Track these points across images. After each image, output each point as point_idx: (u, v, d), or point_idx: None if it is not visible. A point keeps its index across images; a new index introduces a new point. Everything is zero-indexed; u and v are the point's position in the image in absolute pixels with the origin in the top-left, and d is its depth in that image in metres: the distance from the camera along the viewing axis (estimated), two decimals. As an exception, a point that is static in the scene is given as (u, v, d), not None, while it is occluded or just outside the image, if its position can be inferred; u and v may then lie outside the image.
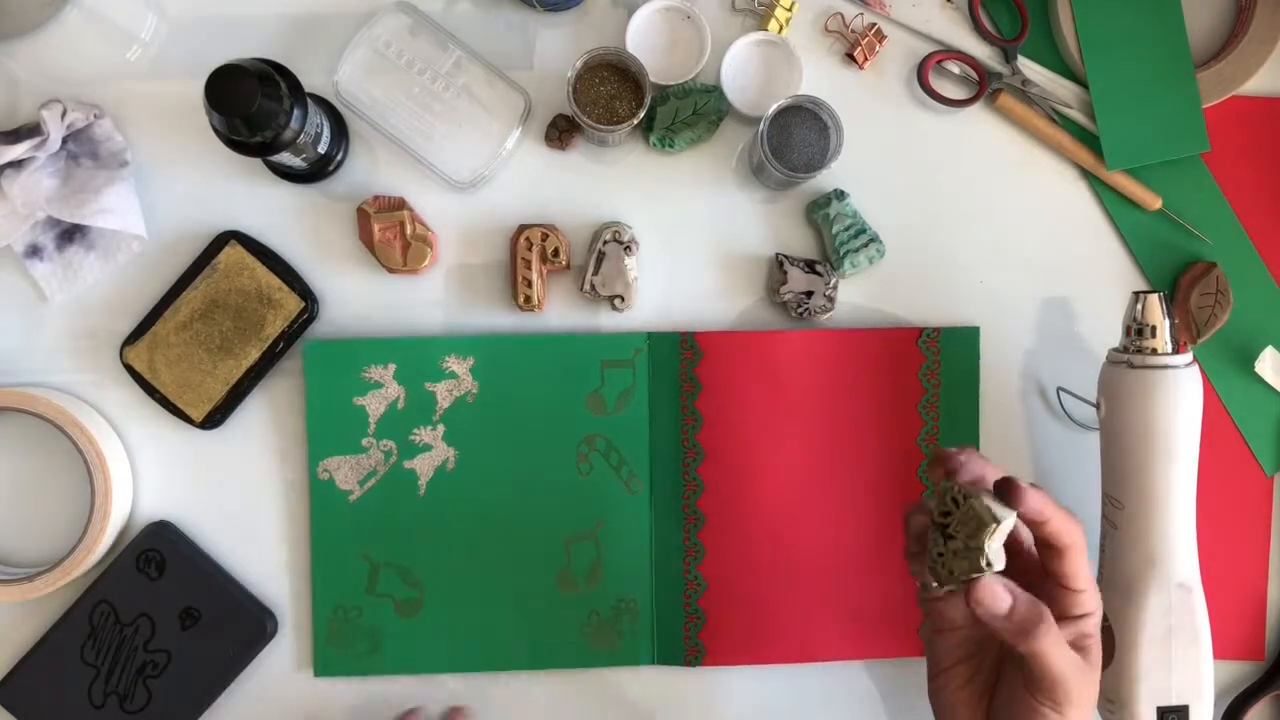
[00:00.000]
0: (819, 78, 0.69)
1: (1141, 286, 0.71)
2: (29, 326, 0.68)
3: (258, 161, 0.68)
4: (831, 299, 0.68)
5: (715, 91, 0.68)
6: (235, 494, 0.69)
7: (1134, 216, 0.70)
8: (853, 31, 0.69)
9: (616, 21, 0.69)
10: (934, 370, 0.68)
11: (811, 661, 0.69)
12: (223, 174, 0.68)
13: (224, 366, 0.67)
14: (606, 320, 0.69)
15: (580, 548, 0.68)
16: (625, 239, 0.67)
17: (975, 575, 0.49)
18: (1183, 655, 0.61)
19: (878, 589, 0.68)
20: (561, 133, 0.68)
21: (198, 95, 0.56)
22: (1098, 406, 0.64)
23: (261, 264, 0.67)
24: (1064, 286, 0.70)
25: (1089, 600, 0.52)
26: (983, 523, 0.48)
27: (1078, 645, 0.52)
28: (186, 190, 0.68)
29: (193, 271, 0.67)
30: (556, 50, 0.69)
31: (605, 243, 0.67)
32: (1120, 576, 0.62)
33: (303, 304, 0.67)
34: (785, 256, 0.68)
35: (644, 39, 0.68)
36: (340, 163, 0.68)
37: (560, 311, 0.69)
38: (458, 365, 0.68)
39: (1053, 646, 0.50)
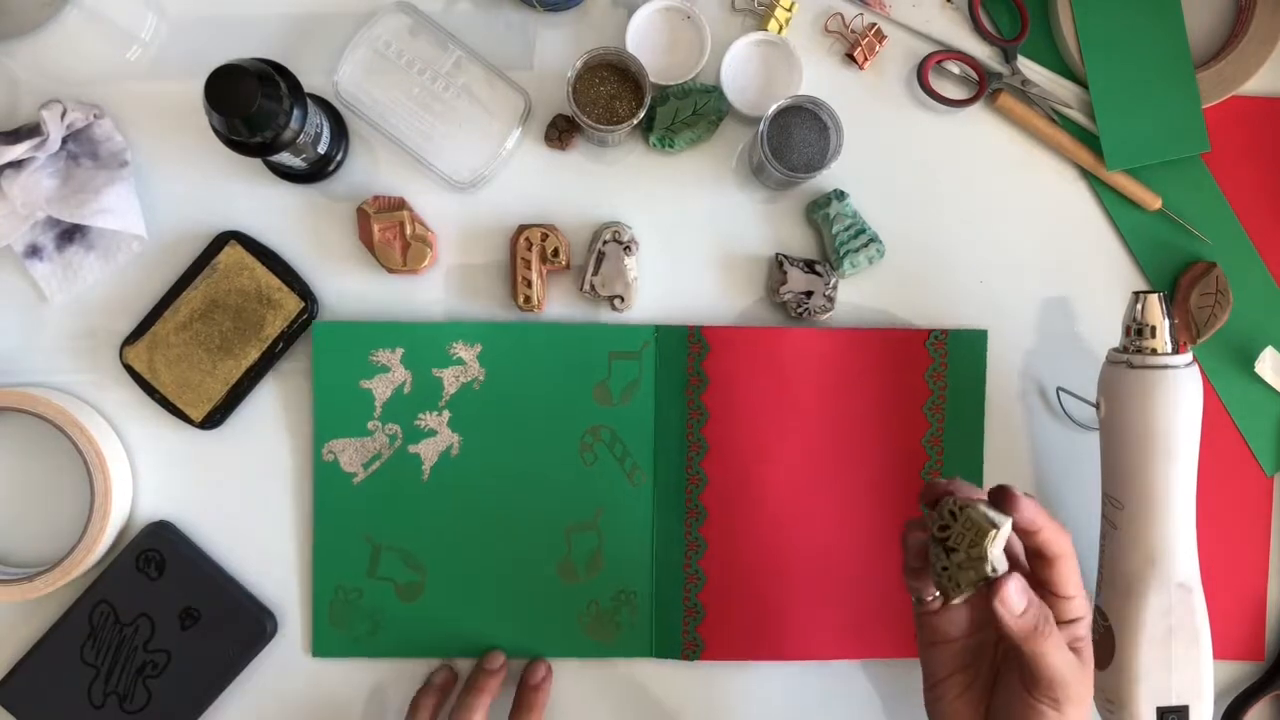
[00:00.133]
0: (819, 78, 0.69)
1: (1141, 286, 0.71)
2: (29, 326, 0.68)
3: (258, 161, 0.68)
4: (831, 299, 0.68)
5: (715, 91, 0.68)
6: (235, 494, 0.69)
7: (1134, 216, 0.70)
8: (853, 32, 0.69)
9: (616, 21, 0.69)
10: (940, 372, 0.68)
11: (810, 660, 0.69)
12: (223, 174, 0.68)
13: (224, 366, 0.67)
14: (606, 320, 0.69)
15: (581, 537, 0.68)
16: (625, 239, 0.67)
17: (981, 583, 0.50)
18: (1183, 655, 0.61)
19: (878, 589, 0.68)
20: (561, 133, 0.68)
21: (198, 95, 0.56)
22: (1098, 406, 0.64)
23: (261, 264, 0.67)
24: (1064, 286, 0.70)
25: (1079, 606, 0.54)
26: (983, 530, 0.49)
27: (1071, 648, 0.53)
28: (186, 190, 0.68)
29: (192, 271, 0.67)
30: (556, 50, 0.69)
31: (605, 243, 0.67)
32: (1120, 576, 0.62)
33: (302, 304, 0.67)
34: (785, 256, 0.68)
35: (644, 39, 0.68)
36: (340, 163, 0.68)
37: (560, 312, 0.69)
38: (465, 352, 0.68)
39: (1055, 647, 0.51)
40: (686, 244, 0.69)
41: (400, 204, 0.67)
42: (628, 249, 0.67)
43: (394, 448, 0.68)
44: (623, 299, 0.68)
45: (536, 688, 0.66)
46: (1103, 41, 0.68)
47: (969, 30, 0.70)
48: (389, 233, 0.67)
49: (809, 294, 0.67)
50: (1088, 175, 0.70)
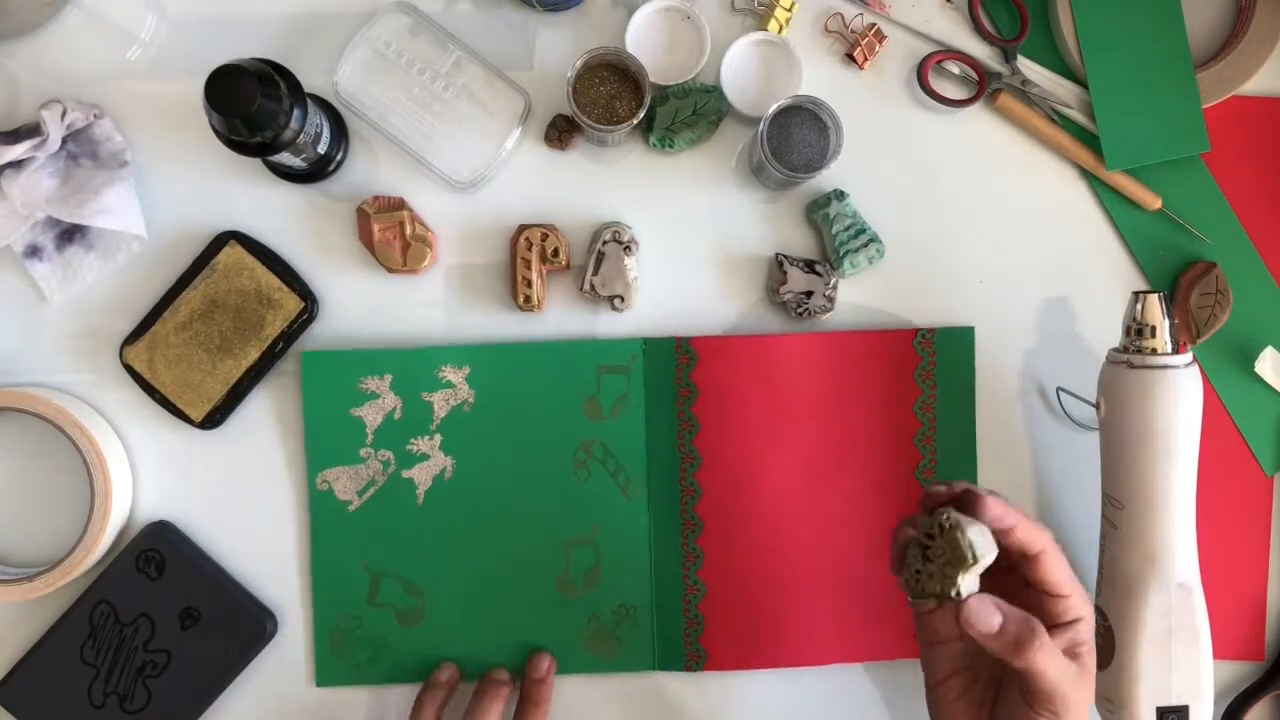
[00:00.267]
0: (819, 78, 0.69)
1: (1141, 286, 0.71)
2: (29, 326, 0.68)
3: (258, 161, 0.68)
4: (831, 299, 0.68)
5: (715, 91, 0.68)
6: (235, 494, 0.69)
7: (1134, 216, 0.70)
8: (853, 32, 0.69)
9: (616, 21, 0.69)
10: (929, 371, 0.68)
11: (812, 665, 0.69)
12: (223, 174, 0.68)
13: (224, 366, 0.67)
14: (606, 320, 0.69)
15: (579, 553, 0.68)
16: (625, 239, 0.67)
17: (945, 599, 0.49)
18: (1183, 655, 0.61)
19: (877, 591, 0.68)
20: (561, 133, 0.68)
21: (198, 95, 0.56)
22: (1097, 406, 0.64)
23: (261, 264, 0.67)
24: (1064, 286, 0.70)
25: (1077, 605, 0.52)
26: (961, 558, 0.49)
27: (1071, 652, 0.52)
28: (186, 190, 0.68)
29: (192, 271, 0.67)
30: (556, 50, 0.69)
31: (605, 243, 0.67)
32: (1120, 576, 0.62)
33: (302, 304, 0.67)
34: (785, 256, 0.68)
35: (644, 39, 0.68)
36: (340, 163, 0.68)
37: (560, 311, 0.69)
38: (454, 375, 0.68)
39: (1046, 660, 0.50)
40: (686, 244, 0.69)
41: (400, 204, 0.67)
42: (628, 249, 0.67)
43: (387, 474, 0.68)
44: (623, 299, 0.68)
45: (541, 681, 0.67)
46: (1103, 41, 0.68)
47: (969, 30, 0.70)
48: (389, 233, 0.67)
49: (809, 294, 0.67)
50: (1088, 175, 0.70)
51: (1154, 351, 0.61)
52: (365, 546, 0.68)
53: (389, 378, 0.68)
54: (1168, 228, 0.70)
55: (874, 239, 0.68)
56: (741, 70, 0.68)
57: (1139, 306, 0.62)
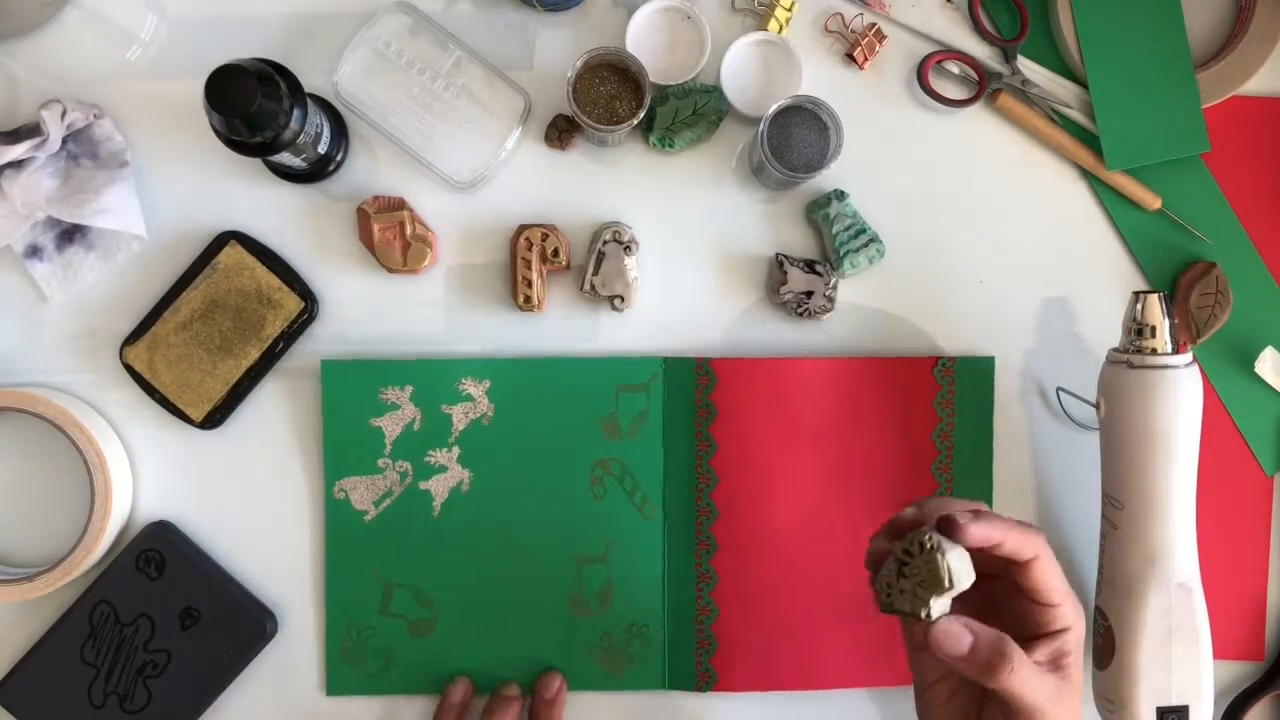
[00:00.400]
0: (819, 78, 0.69)
1: (1141, 286, 0.71)
2: (29, 326, 0.68)
3: (258, 161, 0.68)
4: (831, 299, 0.68)
5: (715, 91, 0.68)
6: (235, 494, 0.69)
7: (1134, 216, 0.70)
8: (853, 31, 0.69)
9: (616, 21, 0.69)
10: (949, 399, 0.68)
11: (823, 689, 0.68)
12: (223, 174, 0.68)
13: (224, 366, 0.67)
14: (607, 320, 0.69)
15: (592, 570, 0.68)
16: (625, 239, 0.67)
17: (912, 618, 0.49)
18: (1183, 655, 0.61)
19: (889, 617, 0.68)
20: (561, 133, 0.68)
21: (198, 95, 0.56)
22: (1098, 406, 0.64)
23: (261, 264, 0.67)
24: (1064, 286, 0.70)
25: (1067, 614, 0.51)
26: (937, 581, 0.48)
27: (1056, 664, 0.51)
28: (186, 190, 0.68)
29: (193, 271, 0.67)
30: (556, 50, 0.69)
31: (605, 243, 0.67)
32: (1120, 576, 0.62)
33: (302, 304, 0.67)
34: (785, 256, 0.68)
35: (644, 39, 0.68)
36: (340, 163, 0.68)
37: (560, 311, 0.69)
38: (474, 388, 0.68)
39: (1020, 681, 0.48)
40: (687, 244, 0.69)
41: (400, 204, 0.67)
42: (628, 249, 0.67)
43: (405, 485, 0.68)
44: (623, 299, 0.68)
45: (551, 701, 0.66)
46: (1103, 41, 0.68)
47: (969, 30, 0.70)
48: (389, 233, 0.67)
49: (809, 294, 0.67)
50: (1088, 175, 0.70)
51: (1154, 351, 0.61)
52: (379, 556, 0.68)
53: (409, 389, 0.68)
54: (1168, 228, 0.70)
55: (874, 239, 0.68)
56: (741, 70, 0.68)
57: (1139, 306, 0.62)
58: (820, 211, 0.68)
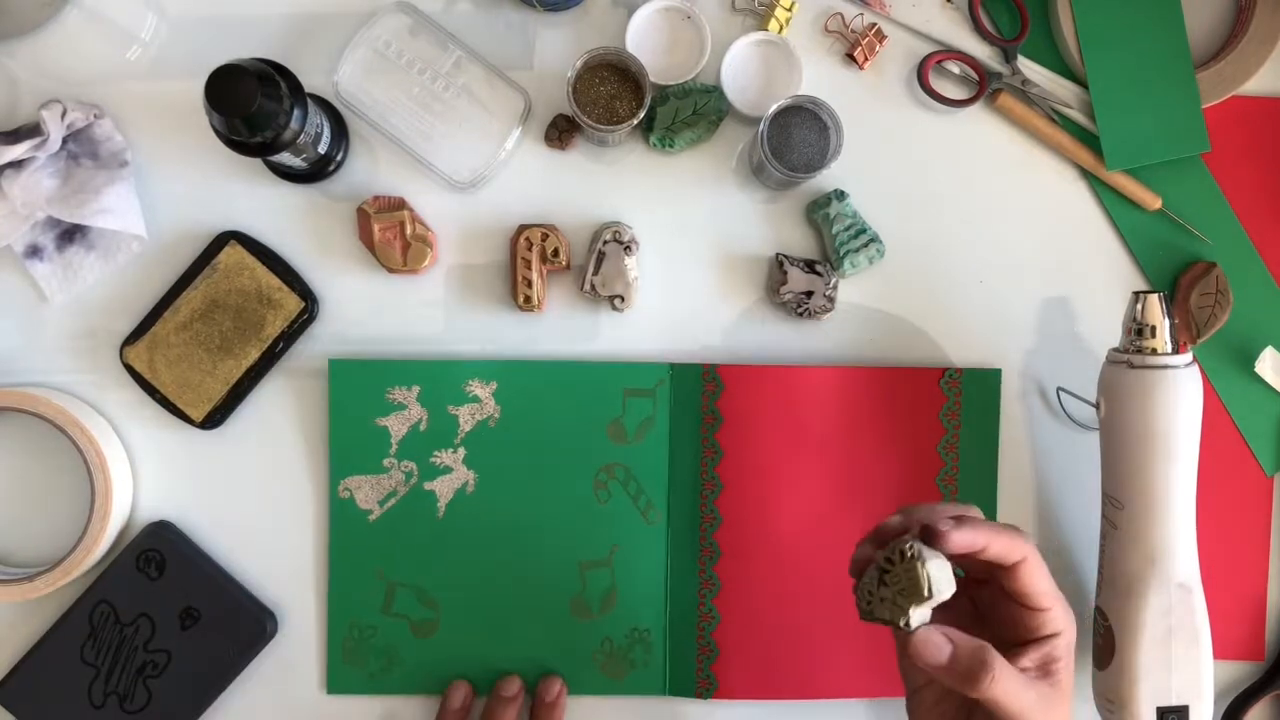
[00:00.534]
0: (819, 78, 0.69)
1: (1141, 286, 0.71)
2: (29, 326, 0.68)
3: (258, 161, 0.68)
4: (831, 299, 0.68)
5: (715, 91, 0.68)
6: (235, 494, 0.69)
7: (1134, 216, 0.70)
8: (853, 31, 0.69)
9: (616, 21, 0.69)
10: (955, 411, 0.68)
11: (824, 698, 0.68)
12: (223, 174, 0.68)
13: (224, 366, 0.67)
14: (607, 320, 0.69)
15: (595, 575, 0.68)
16: (625, 239, 0.67)
17: (891, 625, 0.49)
18: (1183, 655, 0.61)
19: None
20: (561, 133, 0.68)
21: (198, 95, 0.56)
22: (1098, 406, 0.64)
23: (261, 264, 0.67)
24: (1064, 286, 0.70)
25: (1056, 619, 0.51)
26: (917, 591, 0.48)
27: (1045, 669, 0.51)
28: (186, 190, 0.68)
29: (193, 271, 0.67)
30: (556, 50, 0.69)
31: (605, 243, 0.67)
32: (1120, 576, 0.62)
33: (302, 304, 0.67)
34: (785, 256, 0.68)
35: (644, 39, 0.68)
36: (340, 163, 0.68)
37: (560, 311, 0.69)
38: (481, 389, 0.68)
39: (1003, 690, 0.48)
40: (687, 244, 0.69)
41: (400, 204, 0.67)
42: (628, 249, 0.67)
43: (409, 485, 0.68)
44: (623, 299, 0.68)
45: (552, 705, 0.66)
46: (1103, 41, 0.68)
47: (969, 30, 0.70)
48: (389, 233, 0.67)
49: (809, 294, 0.67)
50: (1088, 175, 0.70)
51: (1154, 351, 0.61)
52: (382, 556, 0.68)
53: (416, 389, 0.67)
54: (1168, 228, 0.70)
55: (874, 239, 0.68)
56: (741, 70, 0.68)
57: (1139, 306, 0.62)
58: (820, 211, 0.68)
